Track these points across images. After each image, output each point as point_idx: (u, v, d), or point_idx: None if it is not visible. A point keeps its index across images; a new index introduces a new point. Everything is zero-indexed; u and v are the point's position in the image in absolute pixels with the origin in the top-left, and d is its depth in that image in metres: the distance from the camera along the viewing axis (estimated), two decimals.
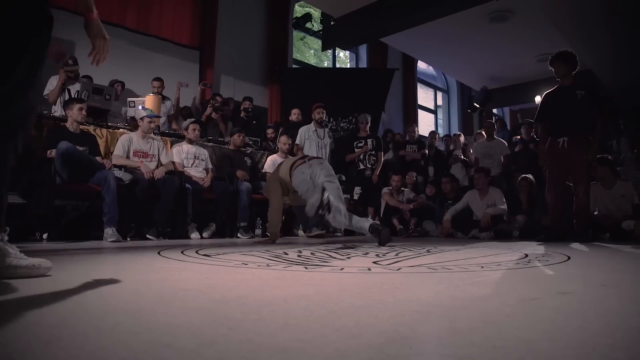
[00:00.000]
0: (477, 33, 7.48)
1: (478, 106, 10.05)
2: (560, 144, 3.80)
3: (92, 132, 3.92)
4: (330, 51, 9.14)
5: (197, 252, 2.34)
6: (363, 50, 9.47)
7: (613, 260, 2.27)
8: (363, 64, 9.53)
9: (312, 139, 5.33)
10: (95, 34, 1.35)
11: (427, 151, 6.73)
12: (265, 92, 7.45)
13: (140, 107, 4.34)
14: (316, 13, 8.06)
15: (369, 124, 5.66)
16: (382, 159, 5.65)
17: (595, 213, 4.31)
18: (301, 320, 0.82)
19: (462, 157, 6.55)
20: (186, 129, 4.40)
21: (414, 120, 9.63)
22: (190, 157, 4.30)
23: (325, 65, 9.75)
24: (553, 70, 3.85)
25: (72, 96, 4.34)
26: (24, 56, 1.19)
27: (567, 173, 3.87)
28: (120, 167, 3.75)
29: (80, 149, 3.56)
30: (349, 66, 9.91)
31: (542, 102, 3.99)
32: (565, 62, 3.76)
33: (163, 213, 3.75)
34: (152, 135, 4.11)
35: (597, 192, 4.32)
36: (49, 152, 3.40)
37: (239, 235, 4.25)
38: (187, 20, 6.65)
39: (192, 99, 6.40)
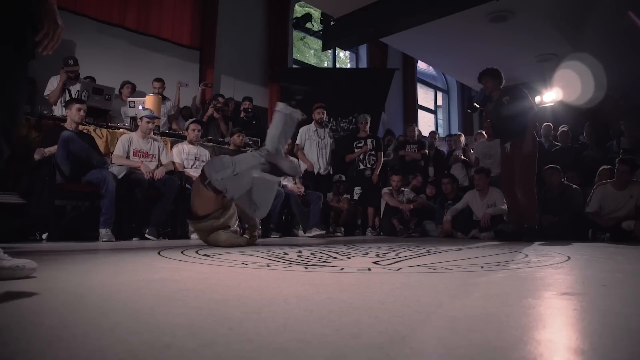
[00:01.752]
0: (477, 33, 7.47)
1: (478, 106, 10.02)
2: (506, 149, 4.11)
3: (91, 133, 3.92)
4: (330, 51, 9.14)
5: (197, 252, 2.34)
6: (363, 50, 9.47)
7: (613, 260, 2.27)
8: (363, 64, 9.52)
9: (312, 139, 5.33)
10: (45, 15, 1.22)
11: (427, 151, 6.73)
12: (265, 92, 7.45)
13: (140, 107, 4.34)
14: (316, 13, 8.06)
15: (369, 124, 5.66)
16: (382, 159, 5.66)
17: (594, 211, 4.32)
18: (301, 320, 0.82)
19: (463, 157, 6.54)
20: (187, 129, 4.40)
21: (414, 120, 9.62)
22: (190, 158, 4.30)
23: (325, 65, 9.75)
24: (482, 85, 4.19)
25: (73, 96, 4.34)
26: None
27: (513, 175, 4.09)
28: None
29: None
30: (349, 66, 9.91)
31: (488, 120, 4.30)
32: (493, 77, 4.11)
33: (163, 213, 3.74)
34: (152, 135, 4.11)
35: (605, 194, 4.31)
36: (46, 149, 3.40)
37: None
38: (187, 20, 6.65)
39: (192, 99, 6.41)
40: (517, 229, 4.03)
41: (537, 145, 4.01)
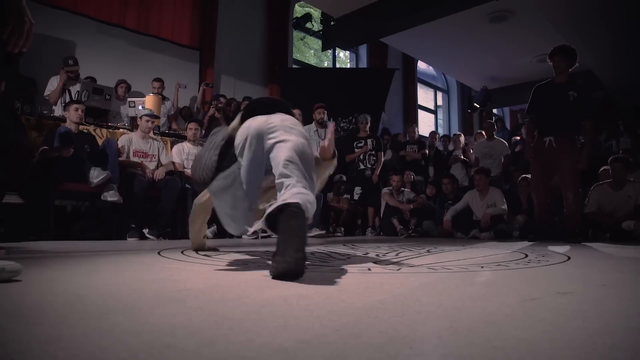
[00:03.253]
0: (477, 33, 7.48)
1: (478, 106, 10.05)
2: (546, 143, 3.72)
3: (92, 132, 3.92)
4: (330, 51, 9.14)
5: (197, 252, 2.34)
6: (363, 50, 9.46)
7: (613, 260, 2.27)
8: (363, 64, 9.52)
9: (312, 139, 5.33)
10: (10, 11, 1.16)
11: (427, 151, 6.73)
12: (265, 92, 7.45)
13: (140, 107, 4.34)
14: (316, 13, 8.06)
15: (369, 124, 5.66)
16: (382, 159, 5.66)
17: (592, 211, 4.32)
18: (301, 320, 0.82)
19: (462, 157, 6.55)
20: (186, 128, 4.41)
21: (414, 120, 9.63)
22: (190, 158, 4.30)
23: (325, 65, 9.75)
24: (552, 63, 3.73)
25: (73, 96, 4.35)
26: None
27: (551, 173, 3.81)
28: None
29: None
30: (349, 66, 9.90)
31: (533, 94, 3.90)
32: (566, 57, 3.64)
33: (164, 215, 3.75)
34: (152, 135, 4.11)
35: (602, 194, 4.31)
36: (42, 149, 3.42)
37: (244, 235, 4.23)
38: (187, 20, 6.65)
39: (192, 100, 6.40)
40: (543, 228, 3.80)
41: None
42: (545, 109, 3.76)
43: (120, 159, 3.79)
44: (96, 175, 3.36)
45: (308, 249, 2.59)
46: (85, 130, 3.85)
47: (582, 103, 3.62)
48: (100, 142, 3.96)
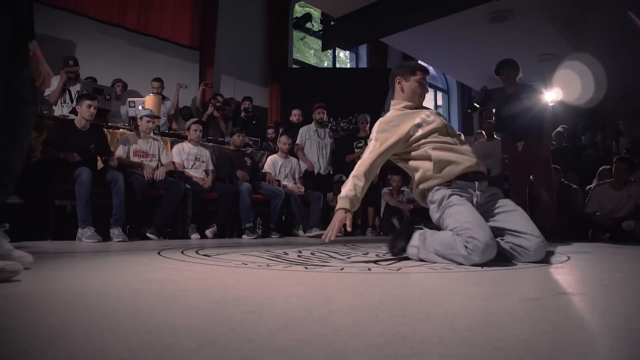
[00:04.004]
0: (477, 33, 7.47)
1: (478, 106, 10.03)
2: (519, 147, 3.88)
3: (103, 129, 3.90)
4: (330, 51, 9.14)
5: (197, 252, 2.34)
6: (363, 50, 9.46)
7: (613, 260, 2.27)
8: (363, 64, 9.52)
9: (312, 139, 5.33)
10: (41, 70, 1.64)
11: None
12: (265, 92, 7.45)
13: (140, 107, 4.34)
14: (316, 13, 8.06)
15: (369, 124, 5.66)
16: None
17: (597, 213, 4.31)
18: (301, 320, 0.82)
19: None
20: (188, 129, 4.40)
21: None
22: (191, 159, 4.30)
23: (325, 65, 9.75)
24: (501, 77, 3.97)
25: (73, 96, 4.35)
26: None
27: (528, 175, 3.92)
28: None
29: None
30: (349, 66, 9.90)
31: (495, 113, 4.09)
32: (512, 69, 3.90)
33: (165, 217, 3.74)
34: (152, 135, 4.11)
35: (603, 194, 4.30)
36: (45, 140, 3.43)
37: (244, 236, 4.22)
38: (187, 20, 6.65)
39: (192, 100, 6.40)
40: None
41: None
42: (510, 120, 3.98)
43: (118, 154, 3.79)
44: (117, 235, 3.32)
45: (308, 249, 2.60)
46: (95, 126, 3.78)
47: (533, 99, 3.80)
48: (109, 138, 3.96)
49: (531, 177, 3.92)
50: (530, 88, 3.90)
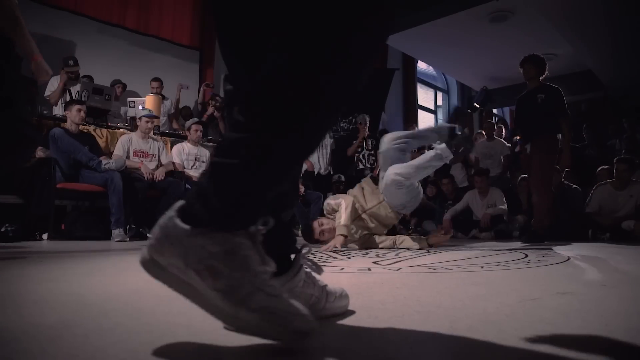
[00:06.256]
0: (477, 33, 7.47)
1: (478, 106, 10.04)
2: (527, 150, 3.80)
3: (92, 133, 3.92)
4: None
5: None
6: None
7: (613, 260, 2.27)
8: None
9: None
10: (39, 73, 1.78)
11: (427, 151, 6.73)
12: None
13: (140, 107, 4.34)
14: None
15: (368, 124, 5.67)
16: None
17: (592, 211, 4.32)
18: None
19: None
20: (188, 129, 4.40)
21: (414, 120, 9.62)
22: (190, 159, 4.30)
23: None
24: (522, 71, 3.81)
25: (73, 96, 4.35)
26: None
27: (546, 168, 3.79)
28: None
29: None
30: None
31: (516, 107, 3.95)
32: (535, 65, 3.75)
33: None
34: (152, 135, 4.11)
35: (605, 194, 4.30)
36: (41, 150, 3.41)
37: None
38: (187, 20, 6.64)
39: (193, 101, 6.40)
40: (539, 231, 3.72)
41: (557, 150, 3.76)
42: (522, 118, 3.88)
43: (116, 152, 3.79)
44: (117, 235, 3.33)
45: (308, 249, 2.59)
46: (85, 131, 3.84)
47: (550, 103, 3.63)
48: (100, 142, 3.95)
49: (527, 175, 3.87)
50: (549, 89, 3.71)
